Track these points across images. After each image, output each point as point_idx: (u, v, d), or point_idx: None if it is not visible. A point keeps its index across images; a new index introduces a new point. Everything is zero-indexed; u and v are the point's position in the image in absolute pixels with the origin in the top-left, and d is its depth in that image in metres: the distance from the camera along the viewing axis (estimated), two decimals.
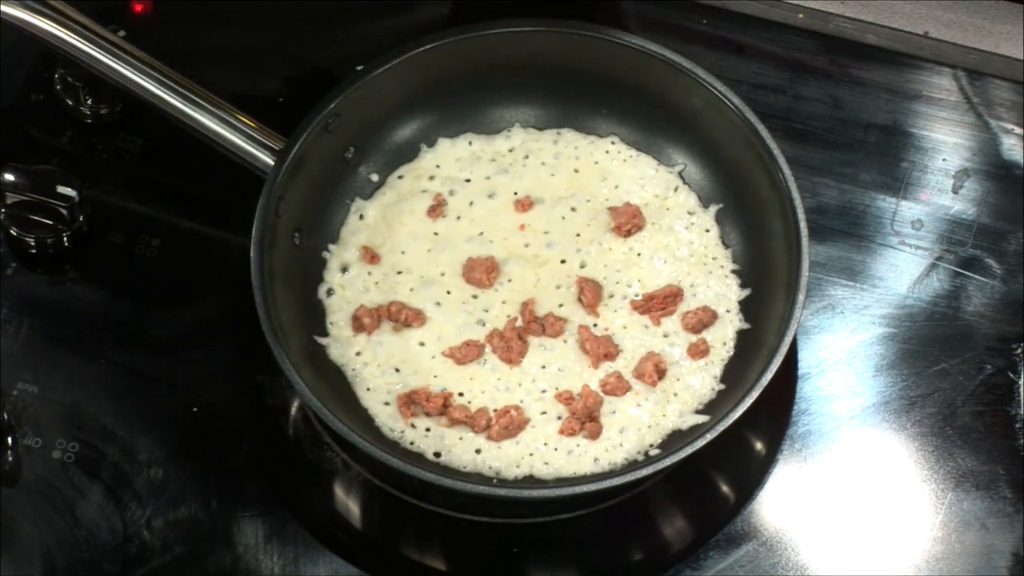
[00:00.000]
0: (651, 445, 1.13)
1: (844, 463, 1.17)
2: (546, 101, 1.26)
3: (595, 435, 1.13)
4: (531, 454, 1.12)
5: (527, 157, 1.24)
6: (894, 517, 1.15)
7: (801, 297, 1.11)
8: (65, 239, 1.22)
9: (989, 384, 1.20)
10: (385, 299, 1.18)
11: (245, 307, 1.10)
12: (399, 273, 1.19)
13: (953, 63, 1.33)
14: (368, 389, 1.15)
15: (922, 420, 1.18)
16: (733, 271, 1.19)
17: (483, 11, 1.36)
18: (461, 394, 1.15)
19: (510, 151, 1.25)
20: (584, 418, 1.13)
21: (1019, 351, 1.21)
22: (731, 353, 1.16)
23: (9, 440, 1.16)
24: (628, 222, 1.21)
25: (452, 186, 1.23)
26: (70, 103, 1.28)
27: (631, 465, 1.12)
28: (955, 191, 1.28)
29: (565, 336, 1.17)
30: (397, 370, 1.15)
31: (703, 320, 1.17)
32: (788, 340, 1.09)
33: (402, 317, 1.17)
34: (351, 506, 1.17)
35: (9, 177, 1.21)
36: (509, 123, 1.26)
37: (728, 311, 1.18)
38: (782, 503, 1.16)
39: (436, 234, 1.21)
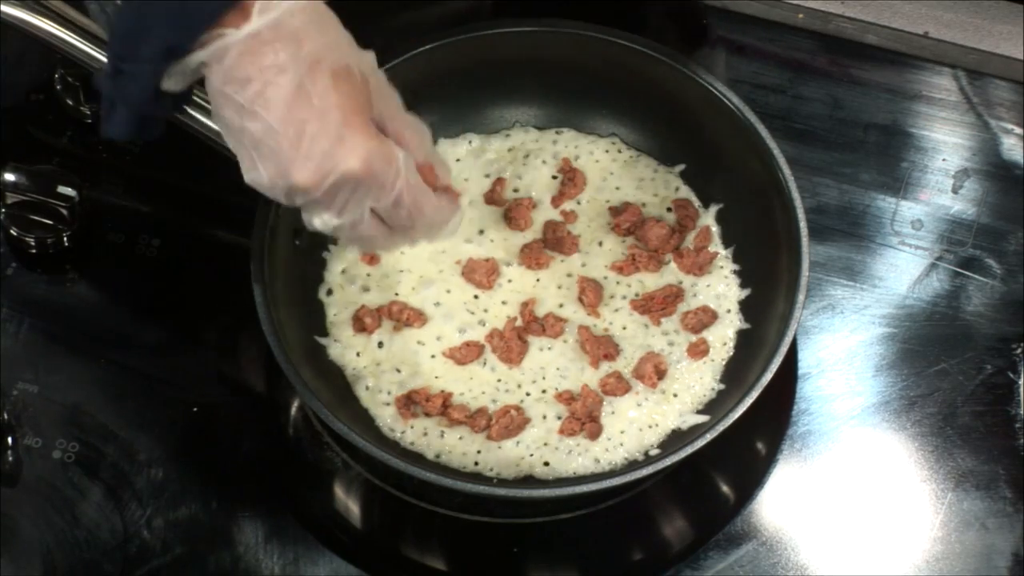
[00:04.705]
0: (651, 445, 1.13)
1: (844, 463, 1.17)
2: (546, 101, 1.26)
3: (595, 435, 1.13)
4: (531, 454, 1.13)
5: (527, 157, 1.24)
6: (894, 517, 1.15)
7: (801, 297, 1.11)
8: (65, 239, 1.22)
9: (989, 384, 1.20)
10: (385, 299, 1.18)
11: (245, 307, 1.11)
12: (399, 273, 1.19)
13: (953, 63, 1.33)
14: (368, 389, 1.15)
15: (922, 420, 1.18)
16: (733, 271, 1.19)
17: (480, 12, 1.37)
18: (461, 394, 1.15)
19: (510, 151, 1.25)
20: (584, 418, 1.13)
21: (1019, 351, 1.21)
22: (731, 353, 1.16)
23: (9, 440, 1.16)
24: (628, 222, 1.21)
25: None
26: (70, 103, 1.28)
27: (631, 465, 1.12)
28: (955, 191, 1.28)
29: (565, 336, 1.17)
30: (397, 370, 1.15)
31: (703, 320, 1.17)
32: (788, 340, 1.09)
33: (404, 317, 1.17)
34: (351, 506, 1.17)
35: (9, 177, 1.21)
36: (509, 123, 1.26)
37: (728, 311, 1.18)
38: (782, 503, 1.16)
39: None
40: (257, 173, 1.00)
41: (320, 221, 1.03)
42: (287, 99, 0.96)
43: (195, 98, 1.04)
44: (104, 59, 1.15)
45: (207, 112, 1.19)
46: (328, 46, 0.98)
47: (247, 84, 0.96)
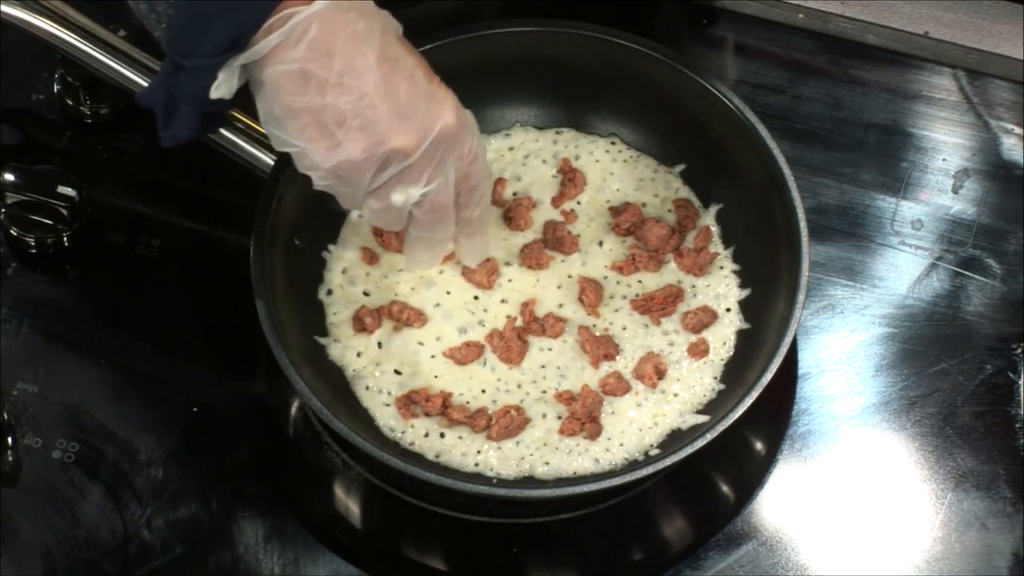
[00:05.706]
0: (651, 445, 1.13)
1: (844, 463, 1.17)
2: (546, 101, 1.26)
3: (595, 435, 1.13)
4: (531, 454, 1.12)
5: (527, 157, 1.24)
6: (894, 517, 1.15)
7: (801, 297, 1.11)
8: (65, 239, 1.22)
9: (989, 384, 1.20)
10: (385, 299, 1.18)
11: (245, 307, 1.11)
12: (399, 273, 1.19)
13: (953, 63, 1.33)
14: (368, 389, 1.15)
15: (922, 420, 1.18)
16: (733, 271, 1.19)
17: (480, 12, 1.37)
18: (461, 394, 1.15)
19: (510, 151, 1.25)
20: (584, 418, 1.13)
21: (1019, 351, 1.21)
22: (731, 353, 1.16)
23: (9, 440, 1.16)
24: (628, 222, 1.21)
25: None
26: (70, 103, 1.28)
27: (631, 465, 1.12)
28: (955, 191, 1.28)
29: (565, 336, 1.17)
30: (397, 370, 1.15)
31: (703, 320, 1.17)
32: (788, 340, 1.09)
33: (404, 317, 1.17)
34: (351, 506, 1.17)
35: (9, 177, 1.21)
36: (509, 123, 1.26)
37: (728, 311, 1.18)
38: (782, 503, 1.16)
39: None
40: (342, 151, 0.99)
41: (403, 197, 1.03)
42: (376, 65, 0.97)
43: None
44: (106, 58, 1.16)
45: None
46: (382, 15, 0.99)
47: (332, 57, 0.95)
